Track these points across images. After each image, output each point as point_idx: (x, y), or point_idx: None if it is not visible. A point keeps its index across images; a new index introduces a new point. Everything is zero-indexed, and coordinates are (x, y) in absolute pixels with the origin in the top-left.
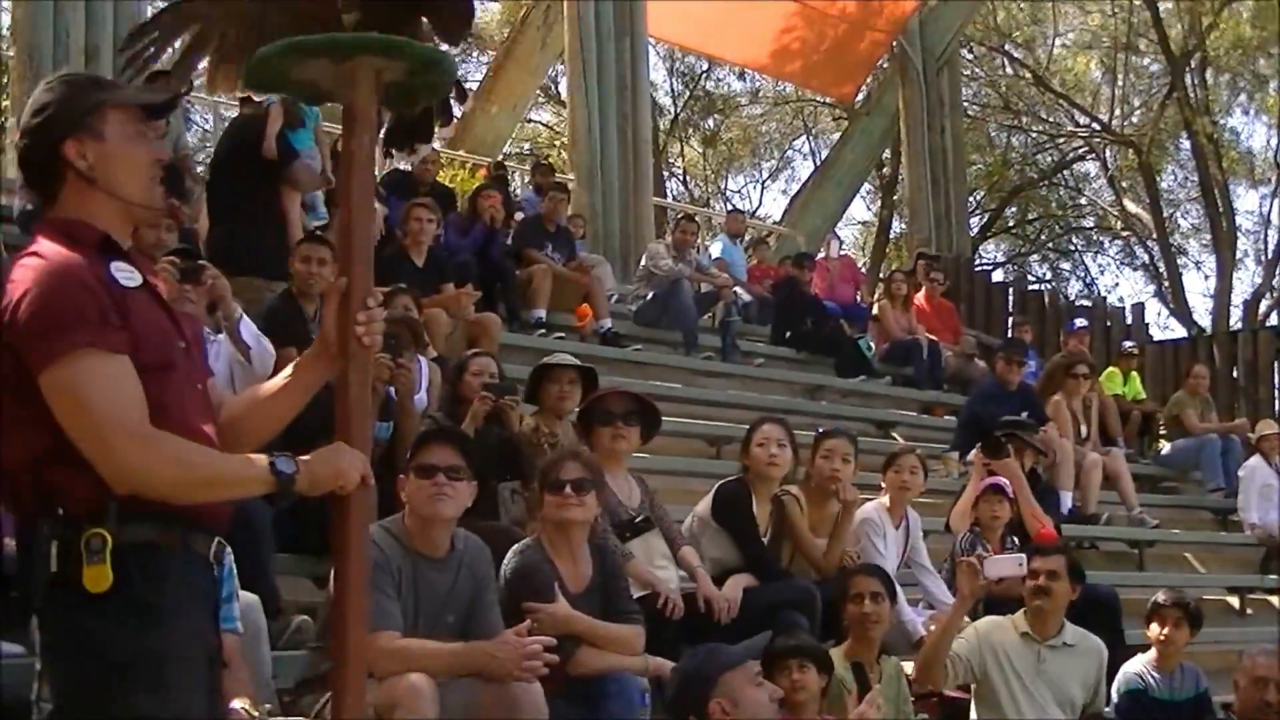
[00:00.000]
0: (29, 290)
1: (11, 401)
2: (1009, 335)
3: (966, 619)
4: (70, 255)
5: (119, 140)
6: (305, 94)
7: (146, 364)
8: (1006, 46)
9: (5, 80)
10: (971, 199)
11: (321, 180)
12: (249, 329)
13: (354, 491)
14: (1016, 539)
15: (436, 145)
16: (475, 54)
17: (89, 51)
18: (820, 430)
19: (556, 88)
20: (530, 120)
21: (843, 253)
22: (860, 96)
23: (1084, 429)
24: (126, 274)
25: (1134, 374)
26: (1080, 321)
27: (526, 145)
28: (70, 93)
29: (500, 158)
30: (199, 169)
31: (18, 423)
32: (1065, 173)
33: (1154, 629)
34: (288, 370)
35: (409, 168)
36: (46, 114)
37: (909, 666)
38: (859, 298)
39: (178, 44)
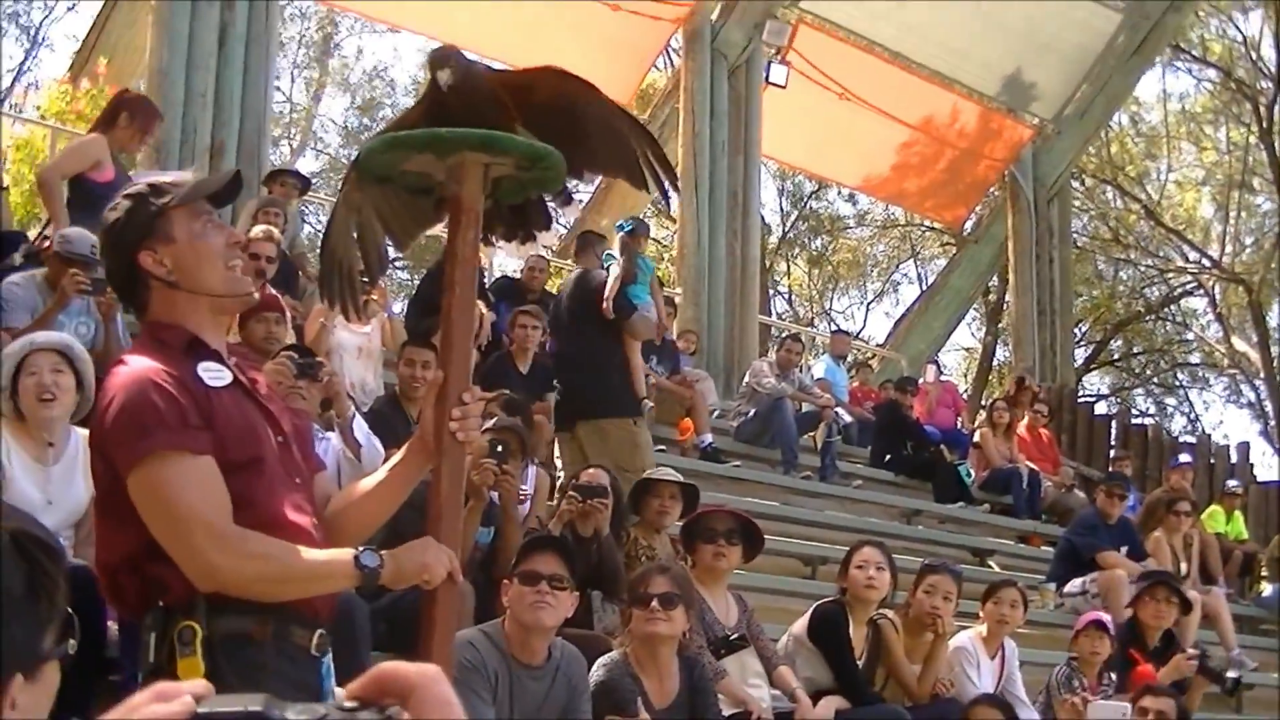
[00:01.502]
0: (114, 397)
1: (107, 502)
2: (1110, 468)
3: None
4: (154, 360)
5: (188, 238)
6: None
7: (233, 461)
8: (1119, 179)
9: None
10: (1077, 330)
11: (658, 329)
12: (361, 428)
13: (440, 587)
14: (1114, 675)
15: (545, 253)
16: None
17: (214, 149)
18: (925, 563)
19: (667, 203)
20: None
21: (944, 378)
22: (969, 223)
23: (1184, 566)
24: (214, 374)
25: (1237, 513)
26: (1184, 458)
27: None
28: (134, 205)
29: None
30: (312, 268)
31: (115, 522)
32: (1172, 308)
33: None
34: (387, 465)
35: (518, 274)
36: (116, 232)
37: None
38: (959, 424)
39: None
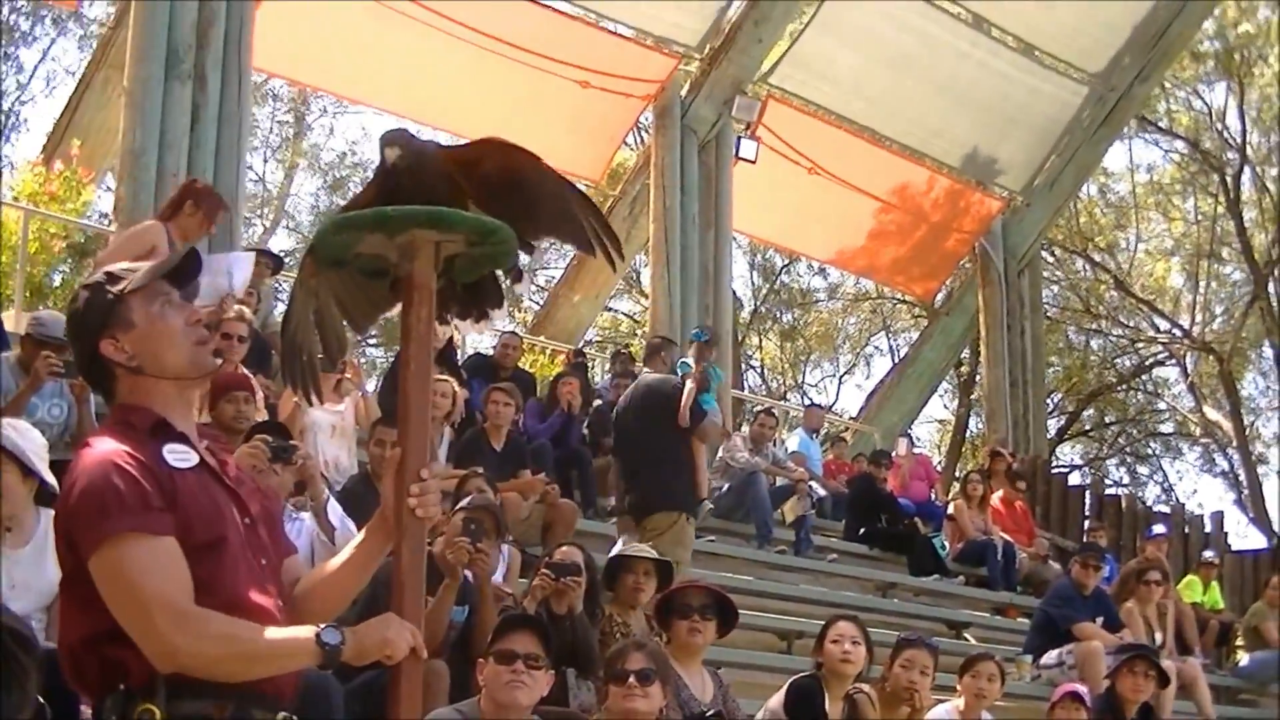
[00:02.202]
0: (78, 480)
1: (71, 585)
2: (1085, 539)
3: None
4: (117, 444)
5: (147, 322)
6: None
7: (196, 543)
8: (1088, 250)
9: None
10: (1050, 400)
11: (723, 433)
12: (336, 510)
13: (404, 662)
14: None
15: (515, 328)
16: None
17: None
18: (902, 637)
19: (639, 277)
20: (611, 309)
21: (917, 451)
22: (941, 295)
23: (1158, 636)
24: (180, 455)
25: (1213, 583)
26: (1159, 528)
27: (607, 333)
28: (92, 295)
29: (580, 345)
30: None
31: (78, 604)
32: (1144, 377)
33: None
34: (352, 544)
35: (491, 352)
36: (77, 322)
37: None
38: (934, 496)
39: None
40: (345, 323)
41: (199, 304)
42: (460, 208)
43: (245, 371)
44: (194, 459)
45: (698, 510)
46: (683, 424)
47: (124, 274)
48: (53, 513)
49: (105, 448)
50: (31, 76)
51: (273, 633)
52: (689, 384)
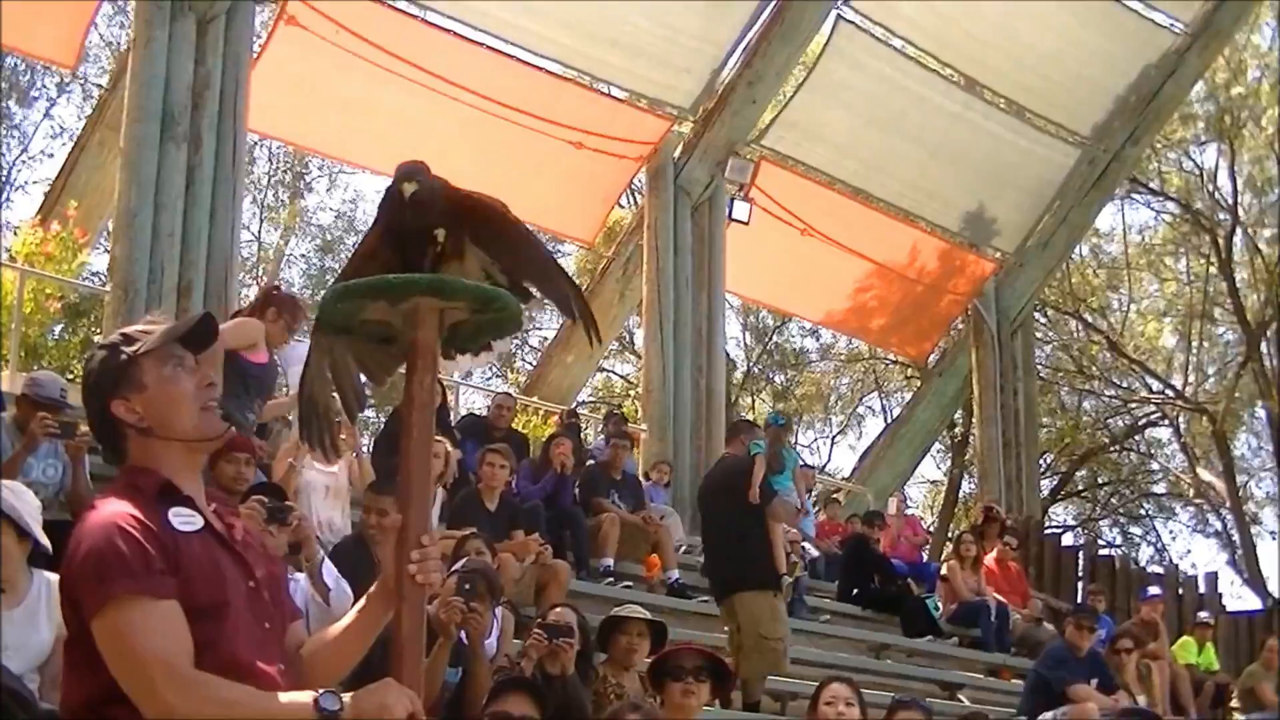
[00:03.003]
0: (82, 542)
1: (74, 646)
2: (1079, 599)
3: None
4: (123, 506)
5: (158, 384)
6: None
7: (198, 606)
8: (1081, 311)
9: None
10: (1042, 461)
11: (798, 513)
12: (330, 571)
13: None
14: None
15: (509, 389)
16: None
17: (181, 289)
18: (895, 699)
19: (632, 338)
20: (604, 369)
21: (908, 512)
22: (934, 356)
23: (1139, 699)
24: (185, 519)
25: (1209, 645)
26: (1153, 590)
27: (600, 394)
28: (106, 355)
29: (573, 406)
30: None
31: (81, 665)
32: (1137, 438)
33: None
34: (353, 610)
35: (484, 413)
36: (91, 382)
37: None
38: (923, 556)
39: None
40: (362, 376)
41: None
42: (459, 249)
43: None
44: (199, 522)
45: (778, 585)
46: (753, 501)
47: (139, 335)
48: (45, 574)
49: (110, 510)
50: (32, 137)
51: (271, 698)
52: (759, 463)
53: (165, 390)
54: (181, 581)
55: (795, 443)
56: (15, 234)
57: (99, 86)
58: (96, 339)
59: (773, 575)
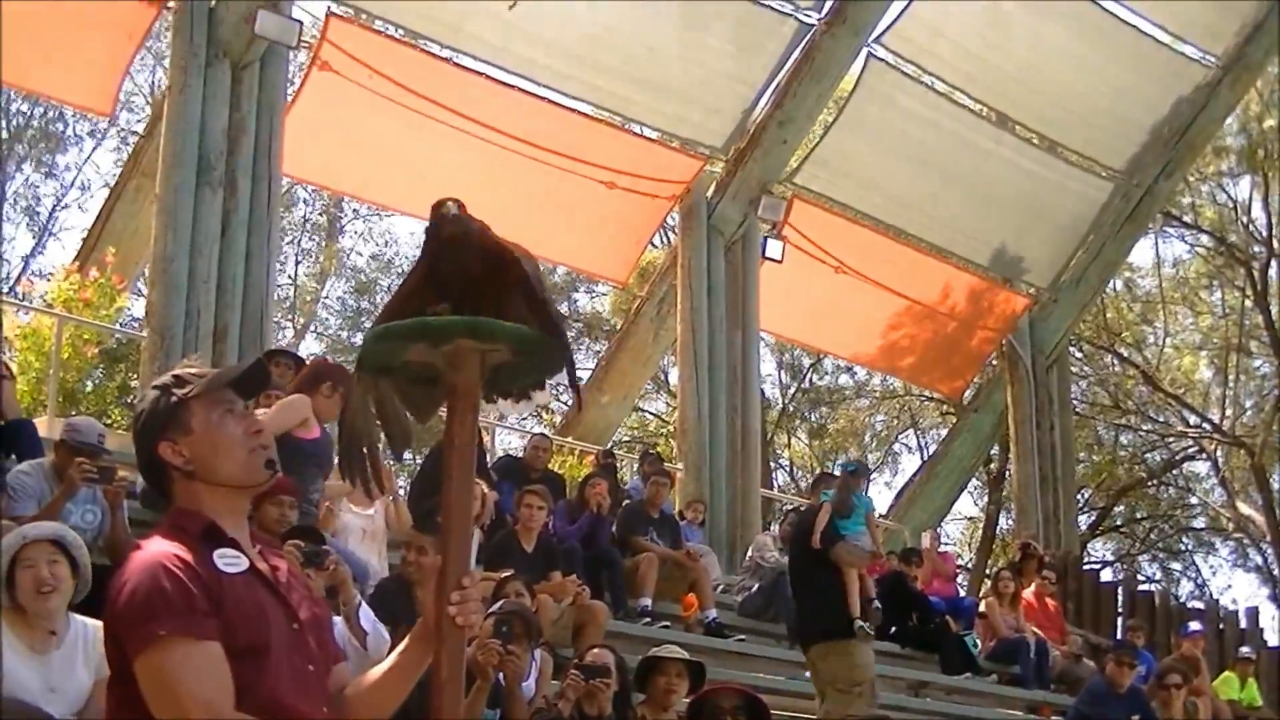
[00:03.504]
0: (126, 582)
1: (118, 685)
2: (1119, 635)
3: None
4: (168, 547)
5: (205, 428)
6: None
7: (240, 647)
8: (1115, 345)
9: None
10: (1080, 497)
11: (872, 558)
12: (367, 615)
13: None
14: None
15: (544, 430)
16: (587, 343)
17: (218, 333)
18: None
19: (666, 377)
20: (640, 409)
21: (941, 549)
22: (969, 393)
23: None
24: (230, 560)
25: (1251, 680)
26: (1194, 625)
27: (634, 433)
28: (156, 397)
29: (609, 446)
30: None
31: (122, 706)
32: (1175, 472)
33: None
34: (394, 653)
35: (521, 454)
36: (140, 424)
37: None
38: (959, 590)
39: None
40: (407, 413)
41: None
42: (501, 293)
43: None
44: (244, 564)
45: (849, 632)
46: (814, 545)
47: (190, 379)
48: (82, 618)
49: (155, 550)
50: (71, 184)
51: None
52: (824, 510)
53: (212, 435)
54: (224, 622)
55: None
56: (52, 280)
57: (134, 134)
58: (144, 380)
59: (842, 623)
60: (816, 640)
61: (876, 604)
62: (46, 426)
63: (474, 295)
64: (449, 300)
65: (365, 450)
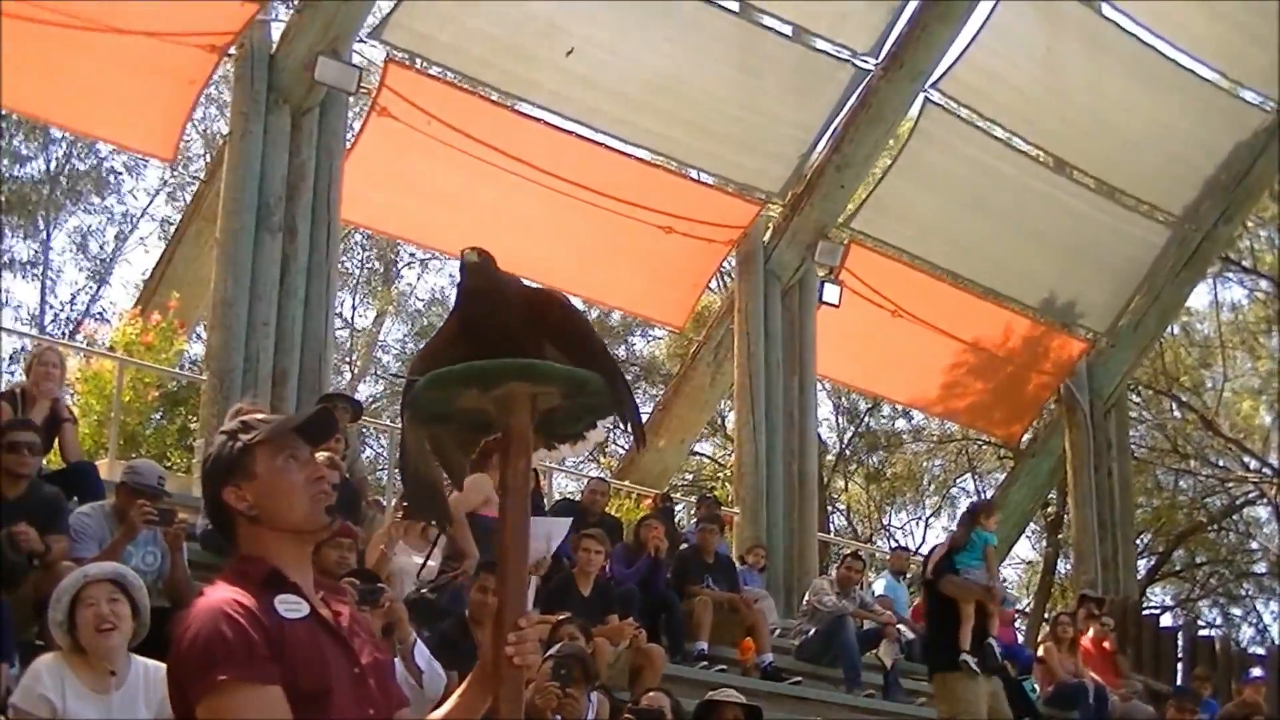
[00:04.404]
0: (189, 627)
1: None
2: (1179, 681)
3: None
4: (230, 593)
5: (269, 474)
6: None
7: (301, 691)
8: (1174, 389)
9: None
10: (1139, 542)
11: (980, 591)
12: (423, 653)
13: None
14: None
15: (602, 474)
16: (644, 386)
17: (276, 377)
18: None
19: (723, 421)
20: (696, 453)
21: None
22: (1026, 437)
23: None
24: (290, 605)
25: None
26: (1256, 671)
27: (690, 477)
28: (223, 442)
29: (666, 489)
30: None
31: None
32: (1235, 517)
33: None
34: (455, 695)
35: (577, 497)
36: (207, 468)
37: None
38: (1018, 636)
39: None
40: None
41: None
42: (536, 345)
43: (346, 521)
44: (305, 610)
45: (956, 664)
46: (926, 576)
47: (257, 424)
48: (142, 659)
49: (218, 597)
50: (133, 228)
51: None
52: (941, 544)
53: (275, 481)
54: (285, 667)
55: (983, 532)
56: (115, 324)
57: (196, 179)
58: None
59: (947, 655)
60: (932, 671)
61: (992, 641)
62: (108, 469)
63: (507, 341)
64: (482, 349)
65: (431, 490)
